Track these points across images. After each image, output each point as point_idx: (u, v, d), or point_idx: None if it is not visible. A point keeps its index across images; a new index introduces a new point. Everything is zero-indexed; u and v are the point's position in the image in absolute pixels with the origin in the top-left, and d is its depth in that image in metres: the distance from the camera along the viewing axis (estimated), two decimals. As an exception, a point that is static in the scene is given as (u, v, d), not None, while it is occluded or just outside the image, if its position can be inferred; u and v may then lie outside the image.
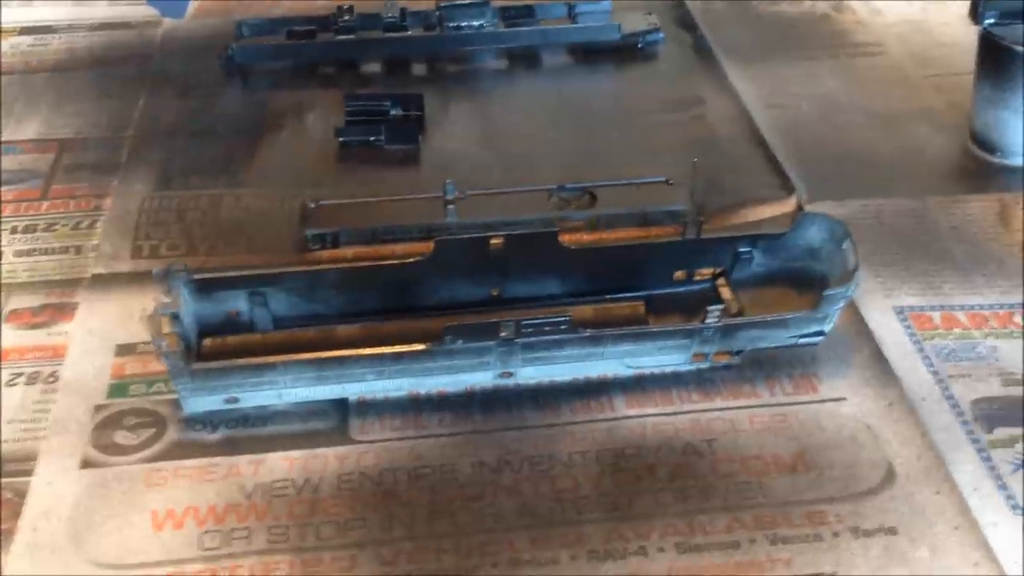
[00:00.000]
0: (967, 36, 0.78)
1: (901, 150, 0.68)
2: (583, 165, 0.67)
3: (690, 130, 0.70)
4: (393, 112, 0.70)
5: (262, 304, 0.52)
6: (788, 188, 0.64)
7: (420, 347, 0.49)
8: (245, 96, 0.74)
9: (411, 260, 0.52)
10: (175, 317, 0.48)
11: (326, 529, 0.45)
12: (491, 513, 0.46)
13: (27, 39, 0.79)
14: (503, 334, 0.48)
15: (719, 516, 0.46)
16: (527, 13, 0.79)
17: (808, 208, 0.61)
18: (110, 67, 0.76)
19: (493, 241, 0.52)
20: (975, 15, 0.65)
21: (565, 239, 0.54)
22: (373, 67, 0.77)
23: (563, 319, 0.48)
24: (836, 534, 0.45)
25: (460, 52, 0.78)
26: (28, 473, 0.47)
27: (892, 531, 0.45)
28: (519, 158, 0.68)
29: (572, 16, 0.79)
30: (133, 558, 0.44)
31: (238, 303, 0.52)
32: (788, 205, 0.62)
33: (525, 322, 0.48)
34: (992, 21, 0.64)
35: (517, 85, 0.76)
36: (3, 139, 0.69)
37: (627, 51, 0.79)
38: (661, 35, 0.79)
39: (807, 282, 0.54)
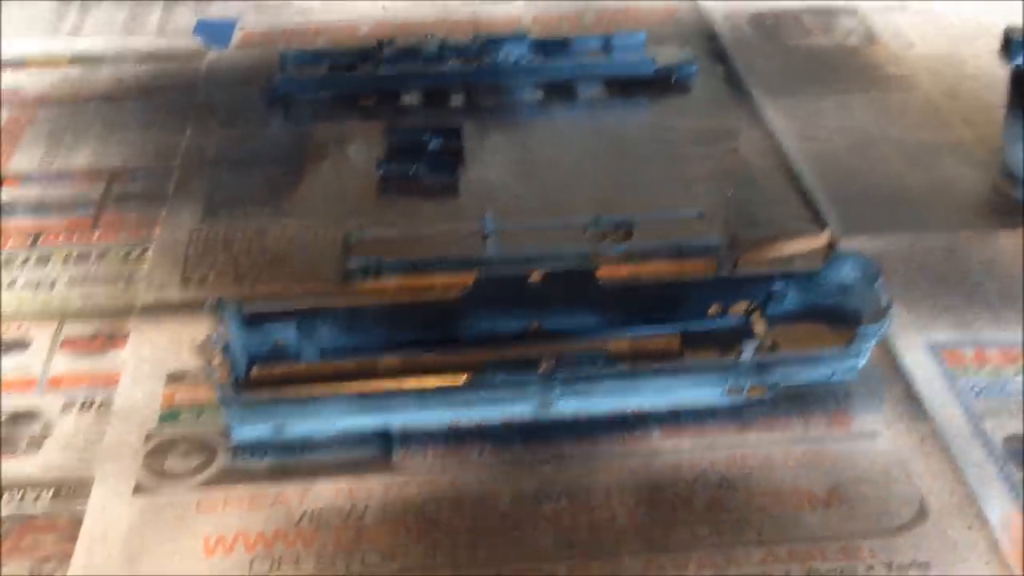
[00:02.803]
0: (998, 70, 0.79)
1: (932, 184, 0.69)
2: (617, 196, 0.68)
3: (723, 163, 0.72)
4: (432, 145, 0.72)
5: (309, 336, 0.53)
6: (820, 222, 0.65)
7: (461, 381, 0.50)
8: (288, 126, 0.76)
9: (452, 296, 0.54)
10: (226, 348, 0.50)
11: (371, 556, 0.47)
12: (531, 543, 0.47)
13: (76, 70, 0.82)
14: (542, 369, 0.49)
15: (754, 550, 0.47)
16: (563, 46, 0.81)
17: (841, 242, 0.62)
18: (157, 97, 0.78)
19: (532, 278, 0.53)
20: (1007, 52, 0.66)
21: (601, 272, 0.55)
22: (412, 98, 0.79)
23: (600, 354, 0.50)
24: (870, 568, 0.46)
25: (497, 84, 0.80)
26: (83, 498, 0.49)
27: (925, 566, 0.46)
28: (555, 189, 0.69)
29: (607, 49, 0.81)
30: (185, 583, 0.46)
31: (286, 334, 0.53)
32: (821, 240, 0.63)
33: (565, 357, 0.49)
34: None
35: (553, 117, 0.77)
36: (55, 168, 0.71)
37: (661, 84, 0.80)
38: (694, 68, 0.81)
39: (840, 318, 0.55)
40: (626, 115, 0.78)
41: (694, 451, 0.51)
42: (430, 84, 0.79)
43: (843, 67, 0.83)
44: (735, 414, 0.53)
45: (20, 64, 0.82)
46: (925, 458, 0.50)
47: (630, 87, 0.80)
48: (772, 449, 0.51)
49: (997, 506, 0.48)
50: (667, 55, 0.81)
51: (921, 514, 0.48)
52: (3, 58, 0.82)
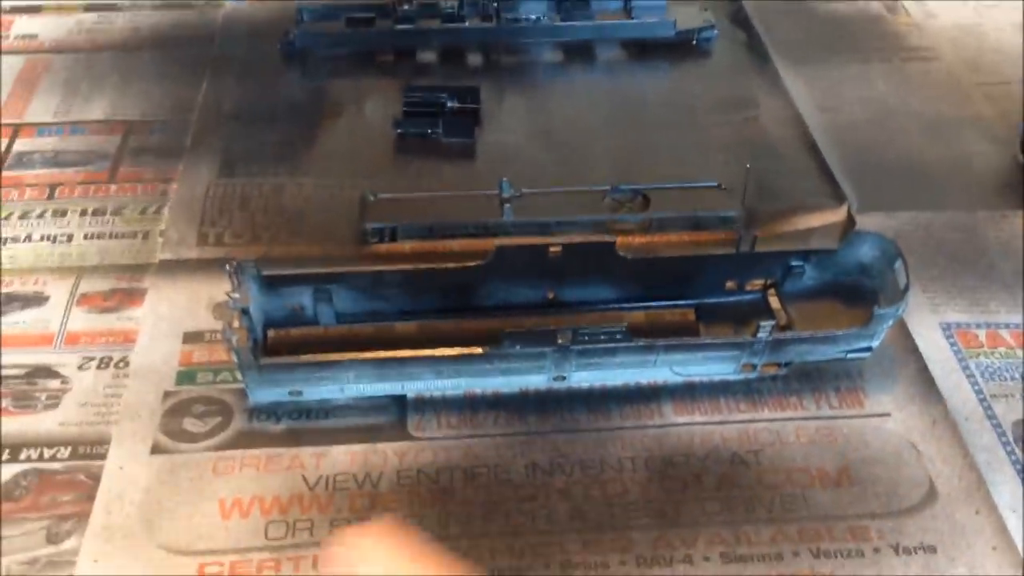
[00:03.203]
0: (1021, 44, 0.79)
1: (950, 160, 0.69)
2: (635, 163, 0.68)
3: (742, 132, 0.71)
4: (450, 105, 0.71)
5: (326, 300, 0.54)
6: (839, 197, 0.65)
7: (478, 350, 0.50)
8: (305, 82, 0.75)
9: (471, 264, 0.54)
10: (244, 311, 0.50)
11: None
12: (544, 515, 0.48)
13: (92, 16, 0.81)
14: (560, 341, 0.50)
15: (764, 527, 0.47)
16: (583, 6, 0.80)
17: (858, 219, 0.62)
18: (173, 48, 0.77)
19: (552, 249, 0.53)
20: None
21: (619, 243, 0.55)
22: (429, 56, 0.78)
23: (619, 328, 0.50)
24: (877, 550, 0.46)
25: (516, 44, 0.79)
26: (101, 457, 0.49)
27: (932, 549, 0.46)
28: (572, 153, 0.69)
29: (628, 11, 0.80)
30: (202, 545, 0.46)
31: (303, 298, 0.54)
32: (839, 214, 0.63)
33: (582, 330, 0.50)
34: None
35: (571, 79, 0.77)
36: (70, 119, 0.70)
37: (681, 47, 0.79)
38: (715, 32, 0.80)
39: (857, 297, 0.55)
40: (645, 78, 0.77)
41: (706, 426, 0.52)
42: (448, 42, 0.78)
43: (865, 35, 0.82)
44: (748, 390, 0.53)
45: (35, 10, 0.81)
46: (936, 441, 0.51)
47: (649, 50, 0.79)
48: (784, 426, 0.52)
49: (1006, 491, 0.49)
50: (688, 17, 0.80)
51: (930, 497, 0.48)
52: (18, 3, 0.82)
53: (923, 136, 0.71)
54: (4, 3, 0.82)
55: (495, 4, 0.79)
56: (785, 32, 0.82)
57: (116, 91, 0.73)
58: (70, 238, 0.61)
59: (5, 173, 0.65)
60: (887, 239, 0.54)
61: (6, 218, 0.62)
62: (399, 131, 0.70)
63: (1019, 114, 0.69)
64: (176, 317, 0.56)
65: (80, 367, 0.54)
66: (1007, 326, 0.57)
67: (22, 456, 0.49)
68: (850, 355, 0.53)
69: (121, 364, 0.54)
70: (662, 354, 0.51)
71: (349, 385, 0.51)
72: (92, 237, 0.61)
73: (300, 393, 0.51)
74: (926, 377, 0.54)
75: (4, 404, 0.52)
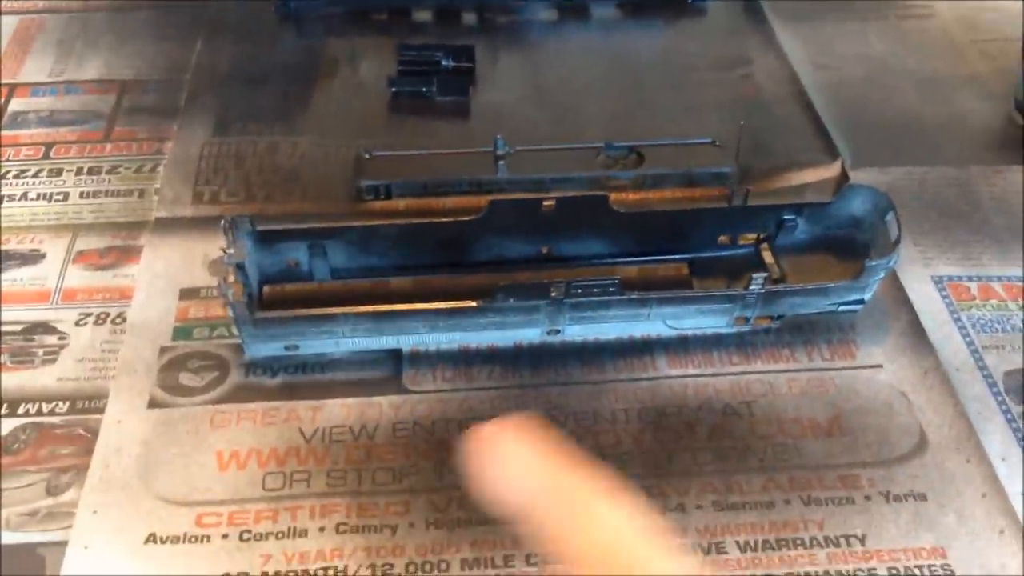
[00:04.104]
0: (1018, 2, 0.78)
1: (945, 117, 0.69)
2: (629, 120, 0.68)
3: (737, 89, 0.71)
4: (445, 63, 0.71)
5: (321, 255, 0.54)
6: (832, 153, 0.65)
7: (473, 304, 0.50)
8: (299, 41, 0.75)
9: (465, 219, 0.54)
10: (239, 267, 0.50)
11: (381, 475, 0.48)
12: (538, 465, 0.48)
13: (85, -24, 0.81)
14: (554, 294, 0.50)
15: (755, 476, 0.48)
16: (578, -36, 0.80)
17: (852, 174, 0.62)
18: (167, 7, 0.77)
19: (546, 203, 0.53)
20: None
21: (613, 199, 0.55)
22: (424, 15, 0.78)
23: (612, 281, 0.50)
24: (868, 498, 0.47)
25: (510, 2, 0.79)
26: (99, 411, 0.50)
27: (922, 497, 0.47)
28: (566, 111, 0.69)
29: (622, -32, 0.80)
30: (200, 496, 0.47)
31: (298, 254, 0.54)
32: (832, 170, 0.63)
33: (575, 283, 0.50)
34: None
35: (565, 38, 0.77)
36: (64, 78, 0.70)
37: (676, 5, 0.79)
38: (710, -10, 0.80)
39: (849, 250, 0.55)
40: (640, 37, 0.77)
41: (699, 378, 0.52)
42: (442, 1, 0.78)
43: (861, -7, 0.82)
44: (741, 342, 0.54)
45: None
46: (927, 391, 0.51)
47: (644, 8, 0.79)
48: (776, 378, 0.52)
49: (996, 440, 0.49)
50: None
51: (920, 446, 0.49)
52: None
53: (918, 93, 0.71)
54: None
55: (490, -38, 0.78)
56: (781, -10, 0.81)
57: (110, 51, 0.73)
58: (66, 196, 0.61)
59: (1, 133, 0.65)
60: (879, 192, 0.54)
61: (2, 177, 0.62)
62: (394, 90, 0.70)
63: (1015, 72, 0.69)
64: (172, 274, 0.56)
65: (77, 323, 0.54)
66: (999, 279, 0.57)
67: (20, 411, 0.50)
68: (842, 308, 0.53)
69: (118, 320, 0.54)
70: (655, 307, 0.52)
71: (345, 339, 0.51)
72: (88, 196, 0.61)
73: (296, 347, 0.52)
74: (918, 329, 0.54)
75: (3, 360, 0.52)
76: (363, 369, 0.52)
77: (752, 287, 0.51)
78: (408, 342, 0.52)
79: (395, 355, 0.53)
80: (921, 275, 0.57)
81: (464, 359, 0.53)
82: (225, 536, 0.45)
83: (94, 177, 0.62)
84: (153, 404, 0.50)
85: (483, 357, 0.53)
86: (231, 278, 0.49)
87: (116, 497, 0.47)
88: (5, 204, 0.60)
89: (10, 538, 0.45)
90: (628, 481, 0.47)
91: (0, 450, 0.48)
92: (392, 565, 0.45)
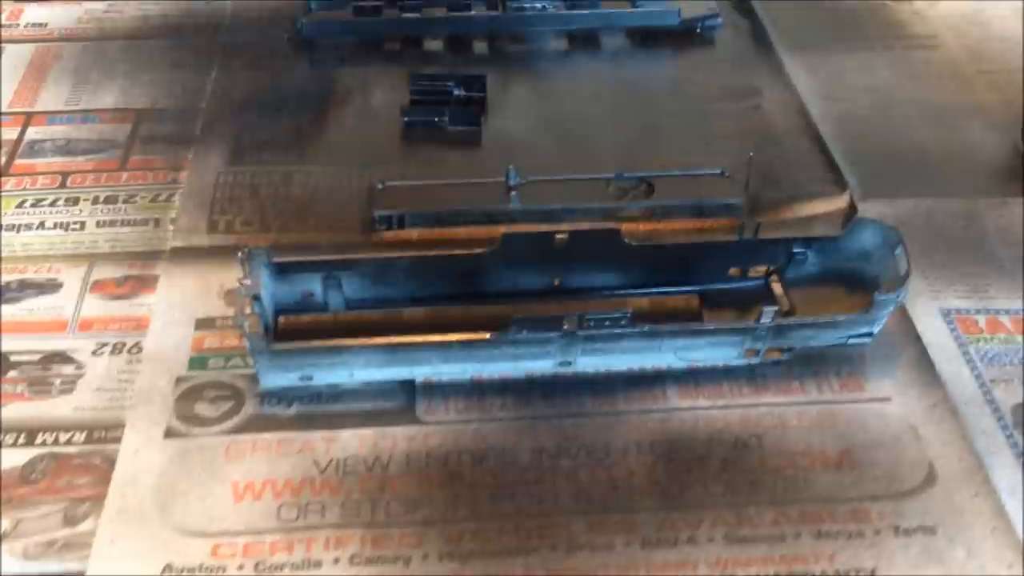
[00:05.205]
0: (1022, 32, 0.79)
1: (953, 148, 0.70)
2: (640, 150, 0.69)
3: (746, 120, 0.72)
4: (456, 93, 0.72)
5: (336, 287, 0.54)
6: (841, 184, 0.65)
7: (486, 336, 0.51)
8: (313, 71, 0.76)
9: (478, 251, 0.55)
10: (255, 298, 0.51)
11: (395, 506, 0.48)
12: (550, 497, 0.49)
13: (101, 5, 0.81)
14: (566, 327, 0.51)
15: (766, 509, 0.48)
16: (589, -6, 0.81)
17: (860, 206, 0.63)
18: (182, 36, 0.78)
19: (558, 236, 0.54)
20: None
21: (624, 230, 0.56)
22: (436, 45, 0.79)
23: (624, 314, 0.51)
24: (877, 532, 0.47)
25: (521, 32, 0.80)
26: (115, 441, 0.50)
27: (931, 531, 0.47)
28: (577, 140, 0.70)
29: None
30: (216, 527, 0.47)
31: (313, 285, 0.54)
32: (840, 202, 0.64)
33: (588, 316, 0.50)
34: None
35: (576, 67, 0.77)
36: (81, 107, 0.71)
37: (685, 36, 0.80)
38: (719, 20, 0.80)
39: (858, 283, 0.56)
40: (650, 67, 0.78)
41: (710, 411, 0.52)
42: (454, 31, 0.79)
43: (868, 22, 0.82)
44: (751, 375, 0.54)
45: (44, -3, 0.82)
46: (935, 424, 0.52)
47: (654, 38, 0.80)
48: (786, 410, 0.53)
49: (1005, 474, 0.50)
50: (692, 6, 0.80)
51: (929, 479, 0.49)
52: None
53: (925, 124, 0.72)
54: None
55: (501, -8, 0.79)
56: (788, 20, 0.82)
57: (126, 79, 0.74)
58: (83, 225, 0.62)
59: (18, 161, 0.66)
60: (888, 226, 0.54)
61: (19, 206, 0.63)
62: (406, 119, 0.70)
63: (1020, 102, 0.70)
64: (188, 304, 0.57)
65: (94, 352, 0.54)
66: (1007, 312, 0.58)
67: (38, 440, 0.50)
68: (851, 340, 0.54)
69: (134, 350, 0.55)
70: (667, 339, 0.52)
71: (359, 370, 0.52)
72: (104, 224, 0.62)
73: (310, 378, 0.52)
74: (926, 362, 0.55)
75: (20, 389, 0.53)
76: (377, 400, 0.53)
77: (763, 320, 0.51)
78: (421, 373, 0.53)
79: (408, 386, 0.53)
80: (929, 308, 0.58)
81: (477, 390, 0.53)
82: (241, 567, 0.46)
83: (110, 206, 0.63)
84: (169, 434, 0.51)
85: (496, 388, 0.53)
86: (247, 310, 0.50)
87: (133, 527, 0.47)
88: (22, 233, 0.61)
89: (28, 568, 0.46)
90: (640, 514, 0.48)
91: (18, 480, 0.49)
92: (406, 597, 0.45)
